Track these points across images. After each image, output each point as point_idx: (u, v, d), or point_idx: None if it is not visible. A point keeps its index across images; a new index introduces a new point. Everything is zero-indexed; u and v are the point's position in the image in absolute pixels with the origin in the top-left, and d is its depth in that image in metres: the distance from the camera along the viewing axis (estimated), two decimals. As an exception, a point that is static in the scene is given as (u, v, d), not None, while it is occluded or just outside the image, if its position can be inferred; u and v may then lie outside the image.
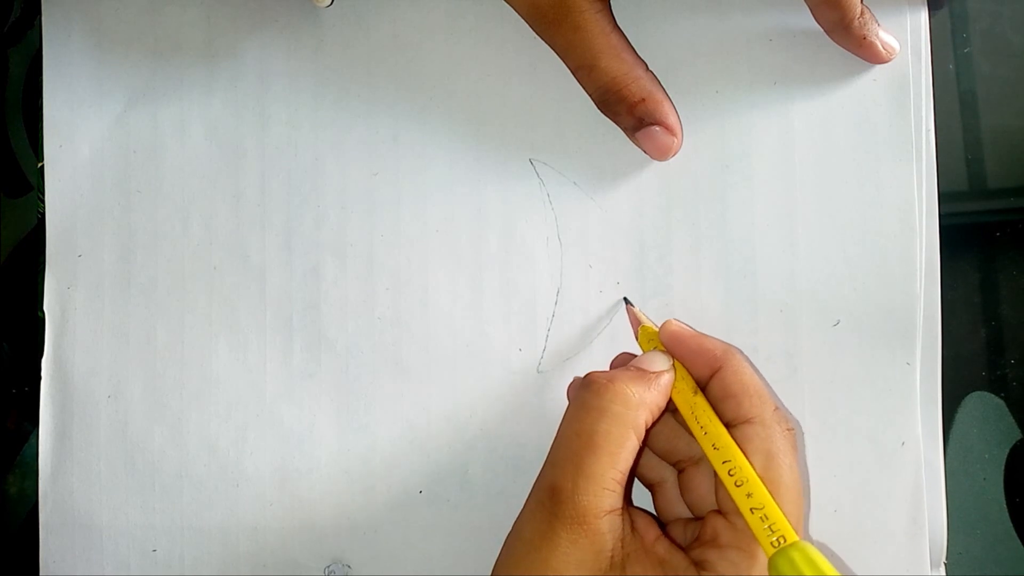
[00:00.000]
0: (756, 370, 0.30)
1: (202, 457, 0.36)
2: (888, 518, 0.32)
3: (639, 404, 0.28)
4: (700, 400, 0.29)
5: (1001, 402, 0.34)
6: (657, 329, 0.31)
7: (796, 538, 0.26)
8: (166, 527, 0.36)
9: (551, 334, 0.35)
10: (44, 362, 0.37)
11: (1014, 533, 0.34)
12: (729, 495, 0.27)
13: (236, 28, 0.37)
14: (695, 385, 0.30)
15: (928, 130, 0.33)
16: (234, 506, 0.35)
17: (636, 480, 0.32)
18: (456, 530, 0.35)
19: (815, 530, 0.33)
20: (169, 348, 0.36)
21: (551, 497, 0.27)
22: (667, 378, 0.29)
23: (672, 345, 0.30)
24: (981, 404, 0.34)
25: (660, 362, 0.30)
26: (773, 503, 0.27)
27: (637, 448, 0.28)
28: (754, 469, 0.27)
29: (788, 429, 0.29)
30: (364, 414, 0.35)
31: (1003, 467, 0.34)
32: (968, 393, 0.35)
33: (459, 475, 0.35)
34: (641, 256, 0.34)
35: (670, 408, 0.30)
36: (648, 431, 0.29)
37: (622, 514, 0.28)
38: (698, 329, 0.32)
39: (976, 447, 0.34)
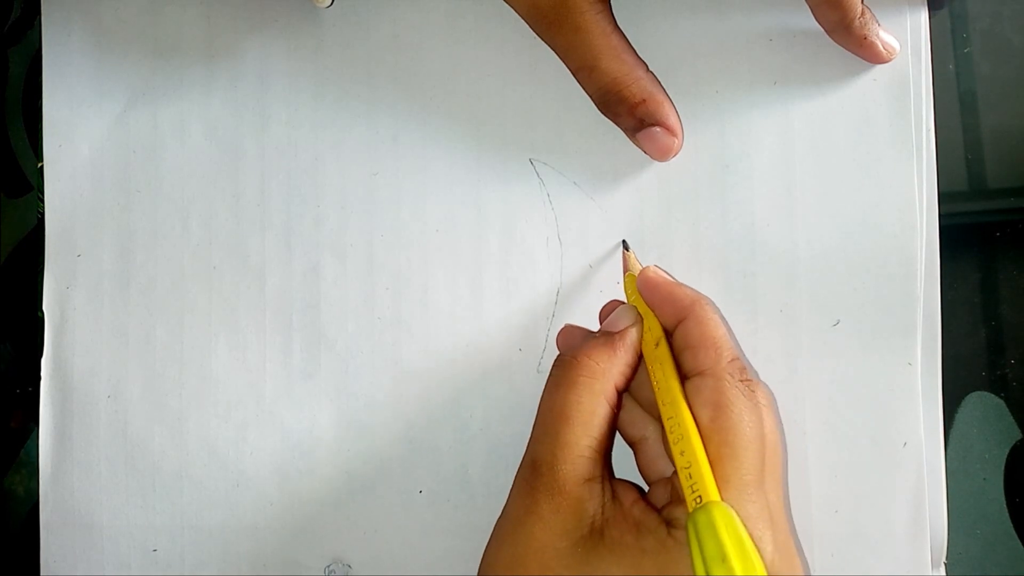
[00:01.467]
0: (724, 322, 0.30)
1: (202, 457, 0.36)
2: (889, 519, 0.32)
3: (604, 372, 0.29)
4: (660, 352, 0.29)
5: (1001, 402, 0.34)
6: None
7: (714, 498, 0.25)
8: (166, 527, 0.36)
9: (551, 334, 0.35)
10: (44, 362, 0.37)
11: (1014, 533, 0.34)
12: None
13: (236, 28, 0.37)
14: (660, 336, 0.29)
15: (928, 130, 0.33)
16: (234, 506, 0.35)
17: (620, 442, 0.32)
18: (456, 530, 0.35)
19: (816, 530, 0.33)
20: (168, 348, 0.36)
21: (532, 471, 0.28)
22: (633, 334, 0.30)
23: (645, 293, 0.31)
24: (981, 404, 0.34)
25: (624, 319, 0.30)
26: (702, 461, 0.26)
27: (610, 414, 0.28)
28: (701, 421, 0.27)
29: (743, 380, 0.28)
30: (364, 414, 0.35)
31: (1003, 467, 0.34)
32: (968, 393, 0.35)
33: (459, 475, 0.35)
34: (641, 256, 0.34)
35: None
36: (622, 392, 0.29)
37: (602, 482, 0.28)
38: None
39: (976, 447, 0.34)
